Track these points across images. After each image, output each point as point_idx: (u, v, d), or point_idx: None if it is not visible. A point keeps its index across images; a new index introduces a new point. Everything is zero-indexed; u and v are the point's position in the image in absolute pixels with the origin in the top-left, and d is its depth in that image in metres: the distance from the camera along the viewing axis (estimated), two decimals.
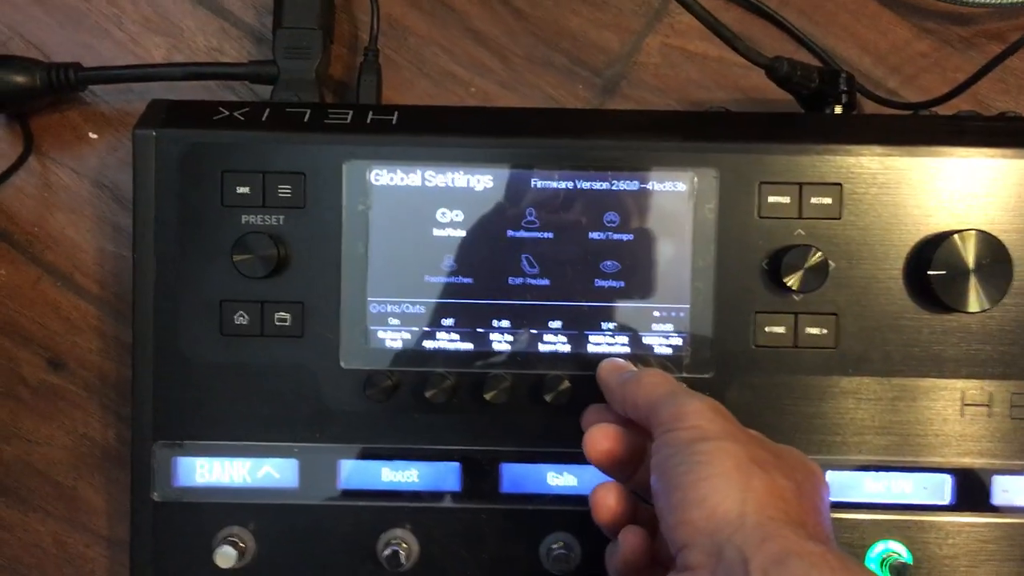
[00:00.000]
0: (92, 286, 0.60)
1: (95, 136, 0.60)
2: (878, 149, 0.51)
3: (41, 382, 0.60)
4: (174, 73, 0.57)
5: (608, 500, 0.47)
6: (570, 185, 0.51)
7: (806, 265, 0.50)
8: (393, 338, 0.52)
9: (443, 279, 0.52)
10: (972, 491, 0.52)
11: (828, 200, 0.51)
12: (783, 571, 0.36)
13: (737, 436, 0.42)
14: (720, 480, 0.40)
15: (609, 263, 0.51)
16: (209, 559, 0.51)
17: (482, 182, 0.51)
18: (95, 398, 0.60)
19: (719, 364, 0.51)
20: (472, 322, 0.52)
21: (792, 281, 0.50)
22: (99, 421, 0.60)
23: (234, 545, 0.51)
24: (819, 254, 0.50)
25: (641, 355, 0.52)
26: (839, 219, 0.51)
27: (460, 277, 0.52)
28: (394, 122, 0.52)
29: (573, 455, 0.52)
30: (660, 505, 0.42)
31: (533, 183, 0.51)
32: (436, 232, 0.51)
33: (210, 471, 0.52)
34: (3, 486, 0.60)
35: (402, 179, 0.51)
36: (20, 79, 0.56)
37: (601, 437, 0.47)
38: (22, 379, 0.60)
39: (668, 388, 0.46)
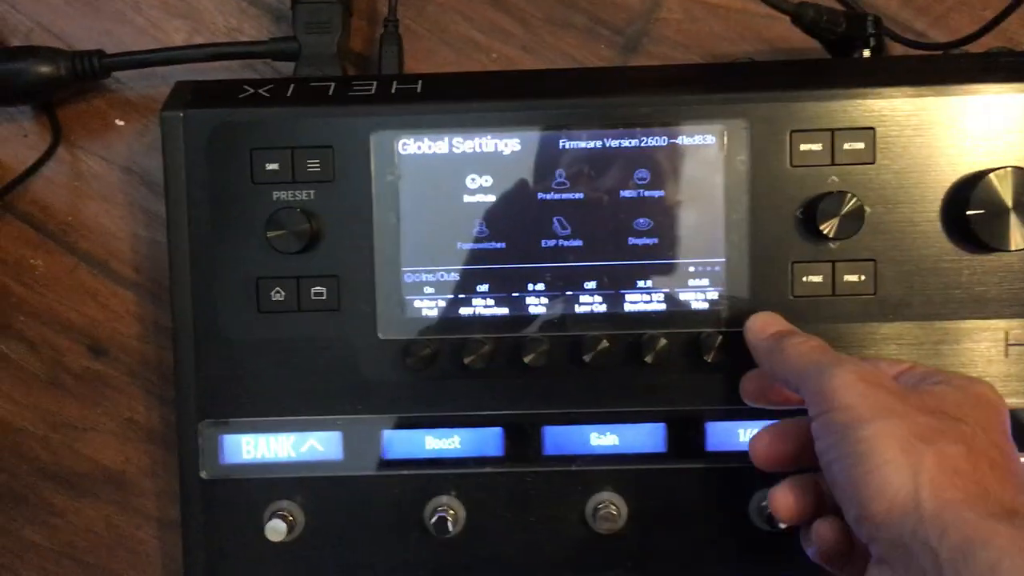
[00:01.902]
0: (128, 272, 0.60)
1: (122, 123, 0.60)
2: (909, 91, 0.50)
3: (84, 369, 0.61)
4: (196, 55, 0.57)
5: (787, 501, 0.45)
6: (599, 144, 0.51)
7: (841, 212, 0.49)
8: (429, 306, 0.52)
9: (475, 245, 0.52)
10: (1020, 431, 0.51)
11: (861, 145, 0.50)
12: (970, 563, 0.35)
13: (894, 409, 0.40)
14: (889, 469, 0.38)
15: (642, 221, 0.51)
16: (260, 534, 0.52)
17: (510, 146, 0.51)
18: (138, 382, 0.61)
19: None
20: (507, 287, 0.52)
21: (828, 229, 0.49)
22: (143, 405, 0.61)
23: (283, 519, 0.52)
24: (854, 200, 0.49)
25: (678, 311, 0.51)
26: (873, 164, 0.50)
27: (492, 243, 0.52)
28: (419, 91, 0.52)
29: (615, 415, 0.52)
30: (837, 496, 0.41)
31: (561, 144, 0.51)
32: (466, 198, 0.51)
33: (255, 447, 0.53)
34: (53, 473, 0.61)
35: (430, 147, 0.51)
36: (45, 69, 0.56)
37: (764, 444, 0.47)
38: (65, 367, 0.61)
39: (811, 358, 0.44)
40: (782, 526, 0.50)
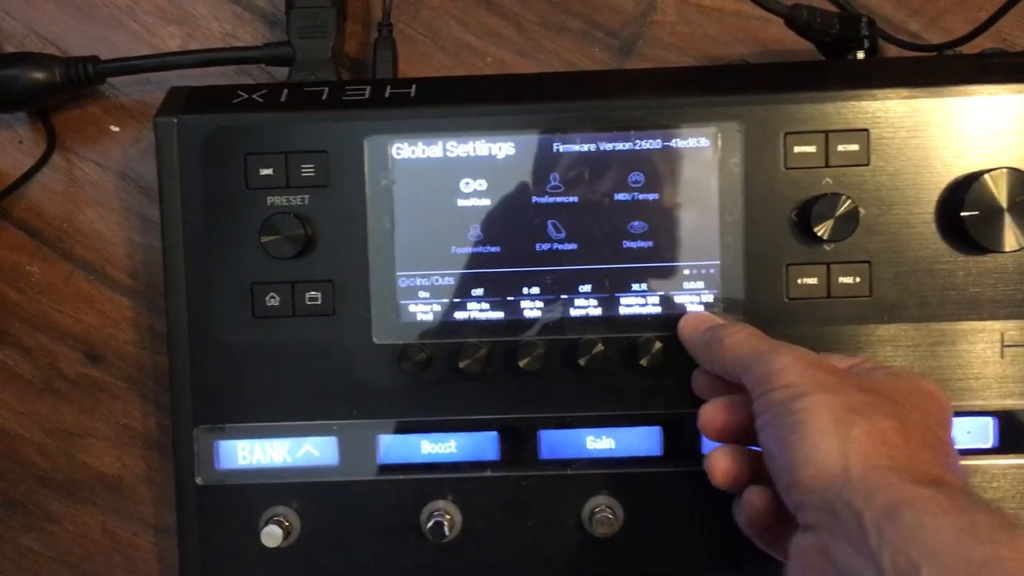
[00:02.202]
0: (124, 278, 0.60)
1: (117, 129, 0.60)
2: (904, 92, 0.50)
3: (80, 375, 0.61)
4: (190, 60, 0.57)
5: (721, 464, 0.47)
6: (593, 147, 0.51)
7: (836, 214, 0.49)
8: (424, 311, 0.52)
9: (470, 249, 0.52)
10: (1016, 433, 0.51)
11: (855, 147, 0.50)
12: (895, 523, 0.36)
13: (831, 385, 0.42)
14: (820, 436, 0.40)
15: (636, 224, 0.51)
16: (255, 539, 0.51)
17: (504, 150, 0.51)
18: (134, 388, 0.60)
19: (753, 319, 0.51)
20: (502, 291, 0.52)
21: (822, 231, 0.49)
22: (139, 411, 0.61)
23: (279, 524, 0.52)
24: (849, 202, 0.49)
25: (673, 314, 0.51)
26: (867, 165, 0.50)
27: (487, 246, 0.52)
28: (412, 95, 0.52)
29: (610, 418, 0.52)
30: (771, 468, 0.42)
31: (555, 148, 0.51)
32: (461, 202, 0.51)
33: (251, 453, 0.53)
34: (49, 480, 0.61)
35: (424, 152, 0.51)
36: (39, 75, 0.56)
37: (713, 416, 0.47)
38: (61, 374, 0.61)
39: (751, 346, 0.46)
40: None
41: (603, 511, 0.52)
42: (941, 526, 0.35)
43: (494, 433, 0.52)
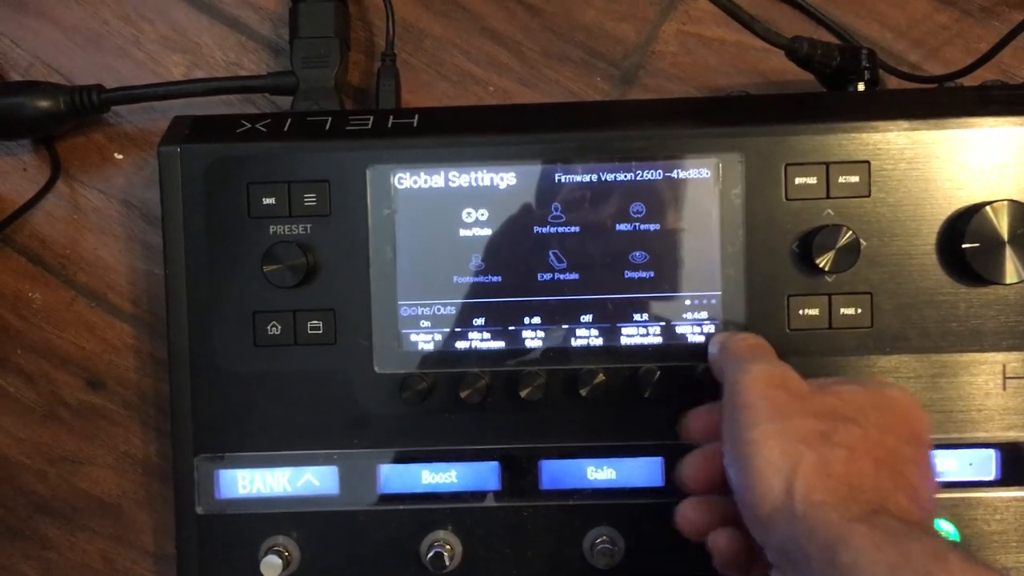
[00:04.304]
0: (126, 305, 0.60)
1: (121, 156, 0.61)
2: (904, 124, 0.50)
3: (81, 403, 0.61)
4: (195, 89, 0.58)
5: (690, 519, 0.46)
6: (594, 178, 0.51)
7: (837, 245, 0.49)
8: (425, 340, 0.52)
9: (472, 279, 0.52)
10: (1018, 465, 0.51)
11: (856, 178, 0.50)
12: (835, 564, 0.36)
13: (786, 410, 0.41)
14: (769, 472, 0.39)
15: (638, 254, 0.51)
16: (255, 569, 0.51)
17: (506, 180, 0.51)
18: (135, 416, 0.60)
19: None
20: (503, 320, 0.52)
21: (824, 262, 0.49)
22: (140, 438, 0.60)
23: (279, 554, 0.51)
24: (850, 233, 0.49)
25: (675, 344, 0.51)
26: (868, 197, 0.50)
27: (489, 276, 0.52)
28: (415, 125, 0.52)
29: (612, 449, 0.52)
30: (736, 501, 0.42)
31: (557, 178, 0.51)
32: (462, 232, 0.52)
33: (251, 482, 0.52)
34: (49, 507, 0.61)
35: (426, 181, 0.51)
36: (44, 104, 0.57)
37: (694, 472, 0.46)
38: (62, 401, 0.61)
39: (741, 353, 0.46)
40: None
41: (604, 542, 0.51)
42: (875, 562, 0.35)
43: (495, 463, 0.52)
